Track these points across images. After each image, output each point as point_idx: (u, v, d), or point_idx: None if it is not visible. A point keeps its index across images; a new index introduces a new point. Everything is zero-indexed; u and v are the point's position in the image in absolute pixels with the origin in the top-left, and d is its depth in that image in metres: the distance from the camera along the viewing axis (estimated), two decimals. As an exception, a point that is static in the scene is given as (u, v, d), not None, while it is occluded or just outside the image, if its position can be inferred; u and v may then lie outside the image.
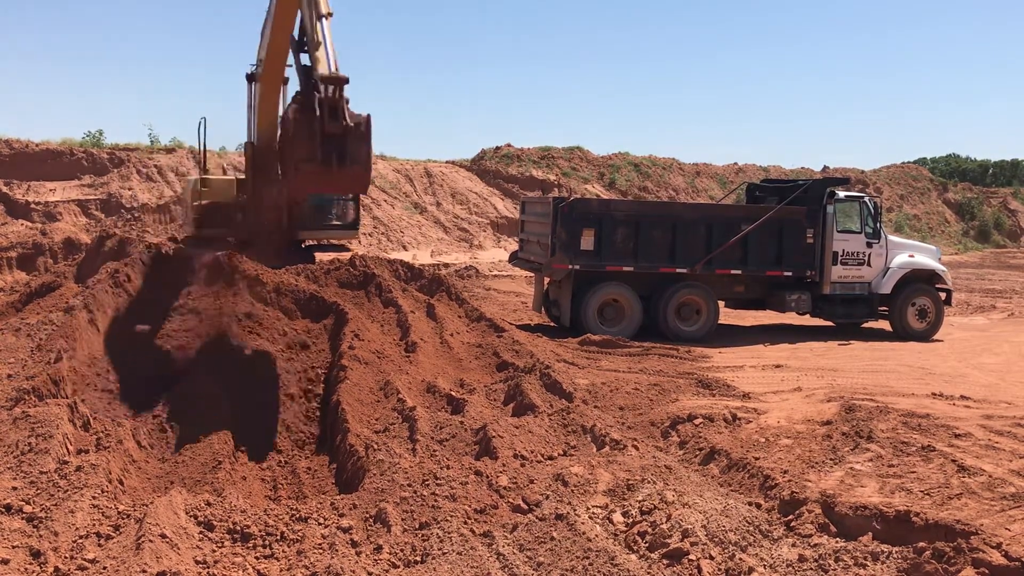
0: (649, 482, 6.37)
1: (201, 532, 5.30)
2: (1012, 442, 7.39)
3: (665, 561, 5.29)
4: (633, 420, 8.78)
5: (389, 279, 12.07)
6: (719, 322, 15.16)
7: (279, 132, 9.41)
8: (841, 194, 15.52)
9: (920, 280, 15.75)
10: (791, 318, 16.87)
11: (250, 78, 12.25)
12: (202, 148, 13.80)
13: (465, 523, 5.73)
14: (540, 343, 12.13)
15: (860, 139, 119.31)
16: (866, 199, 15.89)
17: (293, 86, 12.14)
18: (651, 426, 8.56)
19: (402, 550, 5.40)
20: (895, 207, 43.41)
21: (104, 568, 4.71)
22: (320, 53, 8.68)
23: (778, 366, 12.28)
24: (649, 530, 5.61)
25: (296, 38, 9.49)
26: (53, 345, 8.26)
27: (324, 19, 8.58)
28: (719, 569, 5.19)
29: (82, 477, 5.73)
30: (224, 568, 4.98)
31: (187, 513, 5.40)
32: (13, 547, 4.87)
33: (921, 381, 11.23)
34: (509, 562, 5.19)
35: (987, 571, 4.97)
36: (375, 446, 7.05)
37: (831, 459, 7.11)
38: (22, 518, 5.21)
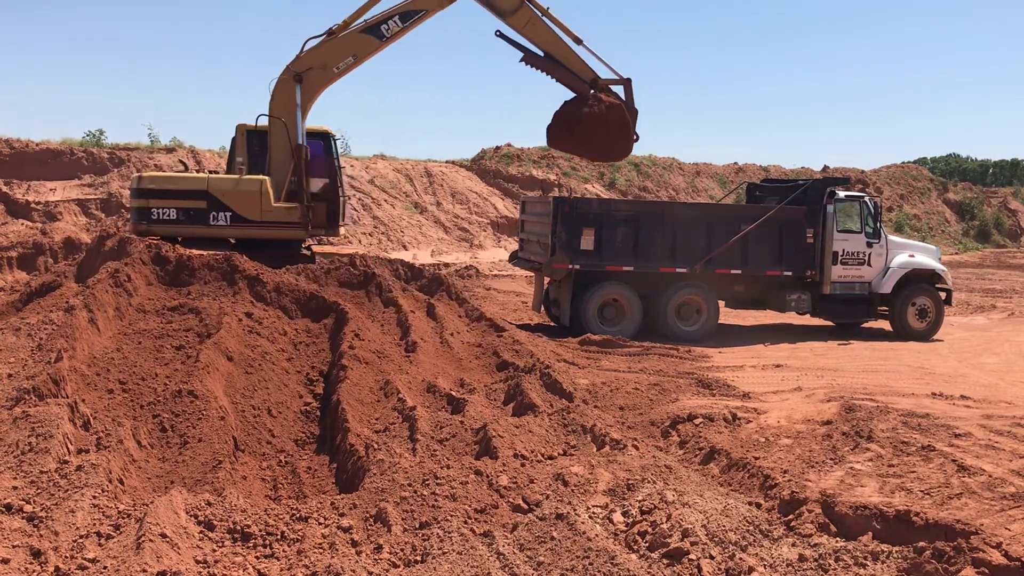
0: (649, 482, 6.37)
1: (201, 532, 5.30)
2: (1012, 442, 7.39)
3: (665, 561, 5.29)
4: (633, 420, 8.78)
5: (389, 279, 12.08)
6: (719, 322, 15.17)
7: (586, 120, 13.14)
8: (841, 194, 15.51)
9: (920, 280, 15.75)
10: (791, 318, 16.87)
11: (298, 79, 12.14)
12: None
13: (465, 523, 5.73)
14: (540, 343, 12.13)
15: (860, 139, 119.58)
16: (866, 199, 15.88)
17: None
18: (651, 426, 8.56)
19: (402, 550, 5.40)
20: (895, 207, 43.38)
21: (104, 568, 4.70)
22: (585, 64, 13.04)
23: (778, 366, 12.28)
24: (649, 530, 5.61)
25: (540, 54, 13.12)
26: (53, 345, 8.25)
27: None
28: (719, 569, 5.19)
29: (82, 477, 5.73)
30: (224, 568, 4.98)
31: (187, 513, 5.40)
32: (13, 546, 4.86)
33: (921, 381, 11.23)
34: (509, 562, 5.19)
35: (987, 571, 4.97)
36: (375, 446, 7.05)
37: (831, 459, 7.11)
38: (22, 517, 5.21)
